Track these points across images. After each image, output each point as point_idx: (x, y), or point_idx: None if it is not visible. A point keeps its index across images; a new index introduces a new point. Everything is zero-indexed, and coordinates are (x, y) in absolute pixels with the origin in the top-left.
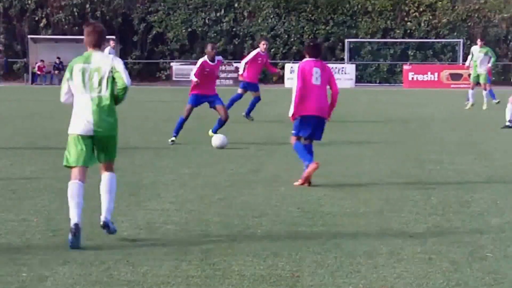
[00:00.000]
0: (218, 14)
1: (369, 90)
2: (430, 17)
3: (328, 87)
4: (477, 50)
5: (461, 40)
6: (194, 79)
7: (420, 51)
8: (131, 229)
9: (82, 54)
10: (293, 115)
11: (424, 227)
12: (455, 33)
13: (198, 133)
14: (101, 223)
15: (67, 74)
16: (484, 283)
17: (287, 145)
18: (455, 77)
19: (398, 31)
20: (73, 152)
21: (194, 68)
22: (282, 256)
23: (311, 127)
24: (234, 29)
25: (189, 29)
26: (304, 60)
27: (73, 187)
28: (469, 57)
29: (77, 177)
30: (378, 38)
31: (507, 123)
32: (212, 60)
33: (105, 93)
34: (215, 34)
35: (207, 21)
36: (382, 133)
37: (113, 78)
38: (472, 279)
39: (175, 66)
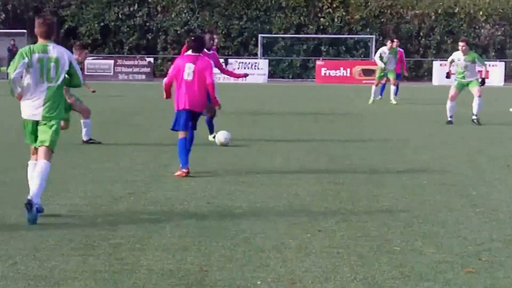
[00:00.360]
0: (131, 9)
1: (282, 85)
2: (343, 13)
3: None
4: (386, 52)
5: (374, 36)
6: None
7: (333, 47)
8: (39, 224)
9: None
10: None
11: (333, 221)
12: (368, 29)
13: (108, 128)
14: (26, 200)
15: (25, 58)
16: (391, 276)
17: (198, 139)
18: (367, 72)
19: (311, 27)
20: (25, 134)
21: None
22: (191, 250)
23: (184, 120)
24: (147, 24)
25: (102, 24)
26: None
27: (28, 168)
28: (378, 56)
29: (31, 157)
30: (291, 34)
31: (449, 118)
32: (208, 50)
33: (60, 83)
34: (128, 29)
35: (120, 15)
36: (294, 128)
37: (68, 72)
38: (379, 272)
39: (87, 60)
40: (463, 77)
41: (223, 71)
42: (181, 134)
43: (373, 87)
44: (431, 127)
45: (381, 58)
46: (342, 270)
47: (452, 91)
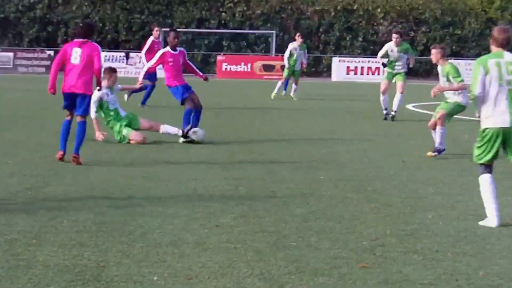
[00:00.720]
0: (31, 1)
1: None
2: (245, 8)
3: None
4: (297, 48)
5: (274, 32)
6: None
7: (234, 42)
8: None
9: None
10: (51, 89)
11: (231, 216)
12: (269, 25)
13: (7, 121)
14: None
15: None
16: (287, 271)
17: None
18: (268, 68)
19: (213, 22)
20: None
21: (152, 60)
22: (88, 246)
23: (69, 102)
24: (48, 16)
25: (1, 15)
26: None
27: None
28: (287, 54)
29: None
30: (192, 28)
31: (384, 111)
32: (174, 49)
33: None
34: (28, 21)
35: (20, 7)
36: None
37: None
38: (276, 267)
39: None
40: (393, 68)
41: (189, 68)
42: (67, 116)
43: (279, 82)
44: (330, 123)
45: (291, 54)
46: (239, 266)
47: (382, 85)
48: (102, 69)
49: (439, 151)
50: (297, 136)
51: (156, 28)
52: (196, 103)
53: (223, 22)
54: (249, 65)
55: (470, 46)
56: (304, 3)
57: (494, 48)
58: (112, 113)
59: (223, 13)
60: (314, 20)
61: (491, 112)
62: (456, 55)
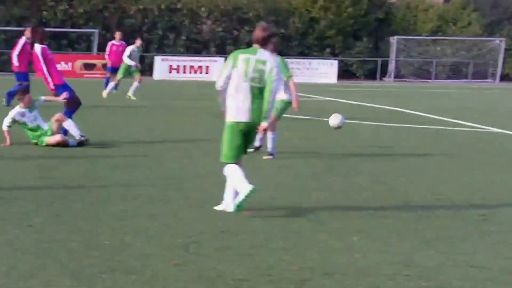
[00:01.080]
0: None
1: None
2: (67, 6)
3: None
4: (135, 50)
5: (97, 30)
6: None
7: (55, 41)
8: None
9: None
10: None
11: (45, 216)
12: (91, 23)
13: None
14: None
15: None
16: (99, 270)
17: None
18: (89, 67)
19: (33, 20)
20: None
21: (43, 63)
22: None
23: None
24: None
25: None
26: None
27: None
28: (127, 54)
29: None
30: (13, 27)
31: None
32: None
33: None
34: None
35: None
36: None
37: None
38: (88, 267)
39: None
40: None
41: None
42: None
43: (112, 83)
44: (150, 122)
45: (129, 56)
46: (50, 266)
47: None
48: None
49: (273, 154)
50: (116, 134)
51: (28, 29)
52: (79, 101)
53: (44, 20)
54: (70, 63)
55: (293, 45)
56: (127, 2)
57: (254, 44)
58: (33, 132)
59: (44, 12)
60: (137, 19)
61: (234, 106)
62: (280, 53)
